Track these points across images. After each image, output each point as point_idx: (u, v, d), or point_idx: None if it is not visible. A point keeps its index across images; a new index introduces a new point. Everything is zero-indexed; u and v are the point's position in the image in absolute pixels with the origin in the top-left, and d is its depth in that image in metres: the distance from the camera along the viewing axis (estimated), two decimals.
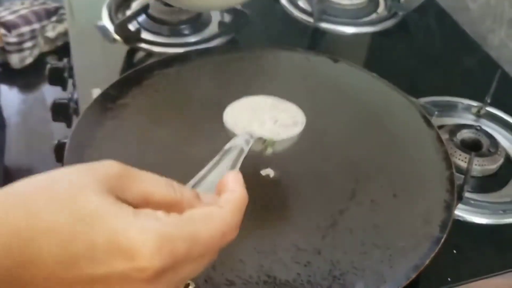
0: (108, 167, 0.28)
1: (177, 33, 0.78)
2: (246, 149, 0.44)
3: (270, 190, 0.52)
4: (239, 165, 0.40)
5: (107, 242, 0.25)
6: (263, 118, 0.50)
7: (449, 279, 0.52)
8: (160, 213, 0.27)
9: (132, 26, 0.75)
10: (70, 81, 0.74)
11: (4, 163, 0.70)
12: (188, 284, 0.33)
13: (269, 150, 0.49)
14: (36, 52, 0.84)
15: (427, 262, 0.46)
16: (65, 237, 0.25)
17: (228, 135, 0.58)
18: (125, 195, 0.27)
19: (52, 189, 0.26)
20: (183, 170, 0.53)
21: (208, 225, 0.28)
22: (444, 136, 0.61)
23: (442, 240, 0.47)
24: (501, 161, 0.63)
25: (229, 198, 0.30)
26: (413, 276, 0.45)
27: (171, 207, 0.28)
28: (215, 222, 0.28)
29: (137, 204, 0.28)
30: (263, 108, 0.52)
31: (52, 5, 0.86)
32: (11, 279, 0.25)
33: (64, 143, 0.55)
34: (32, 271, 0.25)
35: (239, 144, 0.44)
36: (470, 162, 0.58)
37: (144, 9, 0.78)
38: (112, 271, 0.25)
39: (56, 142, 0.63)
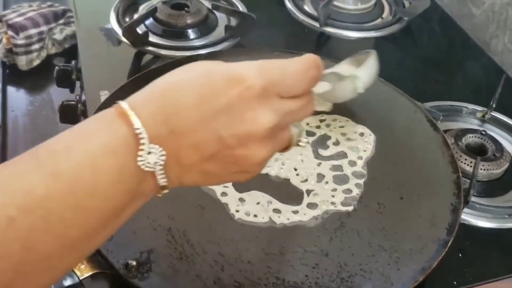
0: None
1: (184, 37, 0.78)
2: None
3: (277, 191, 0.53)
4: None
5: (222, 79, 0.34)
6: None
7: (454, 282, 0.53)
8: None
9: (139, 29, 0.76)
10: (77, 83, 0.74)
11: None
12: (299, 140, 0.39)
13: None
14: (43, 54, 0.84)
15: (434, 265, 0.46)
16: (195, 87, 0.33)
17: None
18: None
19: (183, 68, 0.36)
20: None
21: (293, 62, 0.36)
22: (449, 141, 0.61)
23: (449, 243, 0.48)
24: (506, 165, 0.63)
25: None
26: (420, 278, 0.45)
27: None
28: (299, 61, 0.36)
29: None
30: None
31: (60, 7, 0.87)
32: (167, 131, 0.33)
33: None
34: (179, 118, 0.33)
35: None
36: (475, 167, 0.58)
37: (152, 13, 0.79)
38: (231, 97, 0.33)
39: None
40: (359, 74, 0.49)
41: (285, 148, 0.38)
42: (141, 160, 0.32)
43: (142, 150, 0.32)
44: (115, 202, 0.32)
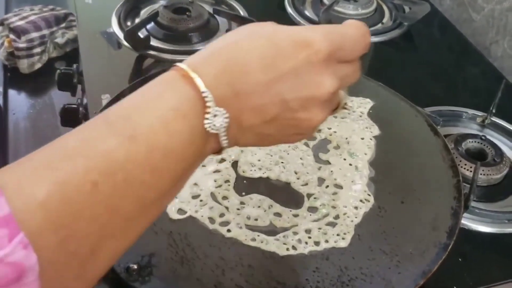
0: None
1: (185, 41, 0.79)
2: None
3: (278, 195, 0.53)
4: None
5: (290, 42, 0.34)
6: None
7: (454, 287, 0.53)
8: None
9: (141, 34, 0.76)
10: (79, 87, 0.74)
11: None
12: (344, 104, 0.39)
13: None
14: (45, 57, 0.84)
15: (435, 268, 0.46)
16: (261, 49, 0.33)
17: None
18: None
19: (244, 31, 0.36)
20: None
21: (351, 28, 0.36)
22: (449, 146, 0.61)
23: (450, 247, 0.48)
24: (506, 170, 0.63)
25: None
26: (421, 282, 0.45)
27: None
28: (355, 27, 0.37)
29: None
30: None
31: (61, 11, 0.87)
32: (231, 93, 0.33)
33: None
34: (244, 80, 0.33)
35: None
36: (475, 172, 0.58)
37: (153, 17, 0.79)
38: (299, 60, 0.33)
39: None
40: None
41: (334, 110, 0.38)
42: (208, 123, 0.32)
43: (208, 113, 0.32)
44: (186, 163, 0.33)
